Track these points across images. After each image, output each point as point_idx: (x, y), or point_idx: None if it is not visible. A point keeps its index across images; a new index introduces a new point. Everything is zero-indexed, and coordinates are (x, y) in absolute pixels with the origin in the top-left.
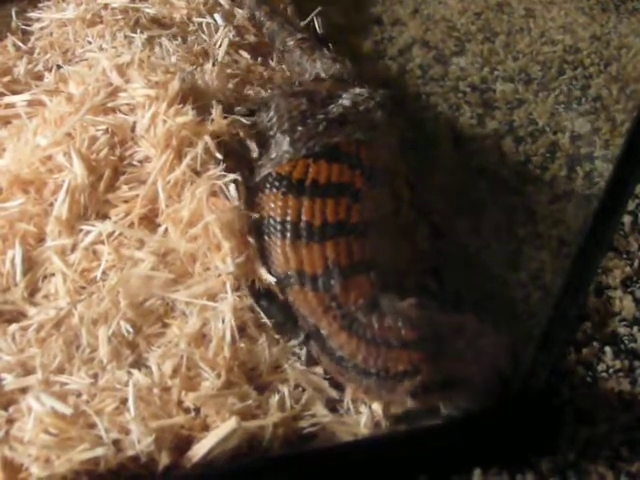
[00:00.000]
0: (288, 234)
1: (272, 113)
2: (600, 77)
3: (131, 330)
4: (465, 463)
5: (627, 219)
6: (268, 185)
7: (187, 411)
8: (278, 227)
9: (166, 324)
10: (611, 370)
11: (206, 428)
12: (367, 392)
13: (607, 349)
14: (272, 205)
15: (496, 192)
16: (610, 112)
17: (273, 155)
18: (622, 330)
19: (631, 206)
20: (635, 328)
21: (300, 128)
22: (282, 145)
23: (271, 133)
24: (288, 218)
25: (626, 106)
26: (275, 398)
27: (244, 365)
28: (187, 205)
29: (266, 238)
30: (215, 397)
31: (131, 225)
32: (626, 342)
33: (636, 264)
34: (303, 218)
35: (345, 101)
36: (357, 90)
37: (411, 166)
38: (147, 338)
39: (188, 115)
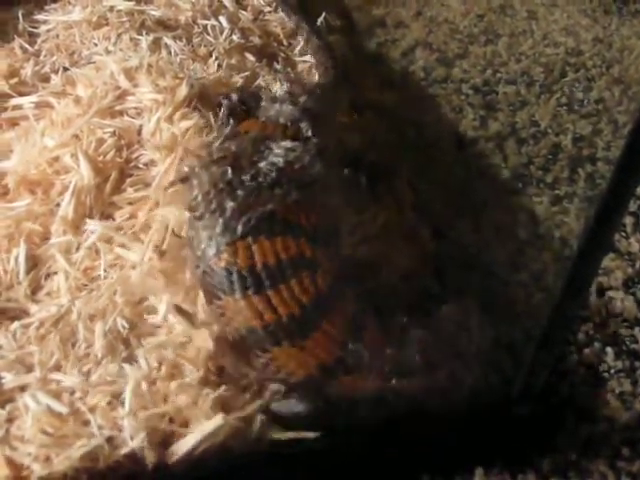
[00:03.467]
0: (279, 341)
1: (196, 192)
2: (602, 79)
3: (127, 326)
4: (467, 462)
5: (629, 220)
6: (218, 285)
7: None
8: (261, 338)
9: (159, 325)
10: (612, 370)
11: (188, 420)
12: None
13: (608, 350)
14: (238, 316)
15: (498, 193)
16: (612, 114)
17: (204, 245)
18: (623, 331)
19: (633, 207)
20: (636, 329)
21: (231, 204)
22: (215, 229)
23: (197, 214)
24: (267, 323)
25: (628, 108)
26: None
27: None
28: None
29: (252, 350)
30: (195, 387)
31: (133, 227)
32: (627, 343)
33: (638, 265)
34: (283, 315)
35: (276, 159)
36: (288, 144)
37: (413, 167)
38: (139, 336)
39: (193, 120)
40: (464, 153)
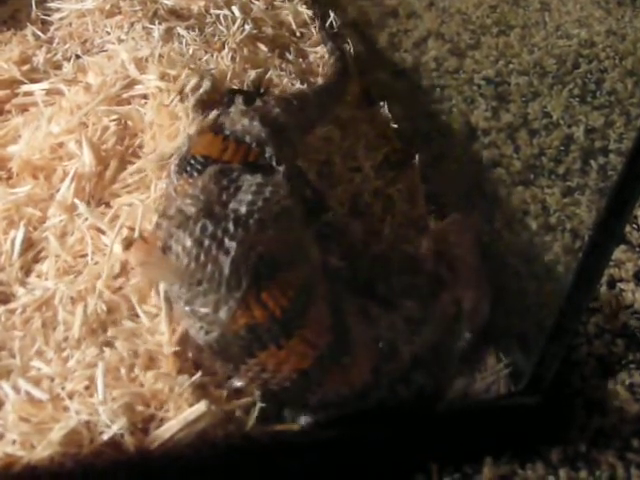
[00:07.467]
0: (330, 370)
1: (186, 260)
2: (615, 71)
3: (105, 309)
4: (476, 452)
5: None
6: (245, 345)
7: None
8: (315, 377)
9: (138, 314)
10: (622, 362)
11: (164, 405)
12: None
13: (619, 341)
14: (284, 366)
15: (509, 184)
16: (625, 106)
17: (211, 309)
18: (634, 322)
19: None
20: None
21: (227, 260)
22: (220, 291)
23: (195, 281)
24: (314, 360)
25: None
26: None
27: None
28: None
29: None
30: (172, 377)
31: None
32: (638, 335)
33: None
34: (323, 347)
35: (250, 197)
36: (258, 179)
37: (425, 158)
38: (117, 321)
39: (195, 111)
40: (476, 144)
